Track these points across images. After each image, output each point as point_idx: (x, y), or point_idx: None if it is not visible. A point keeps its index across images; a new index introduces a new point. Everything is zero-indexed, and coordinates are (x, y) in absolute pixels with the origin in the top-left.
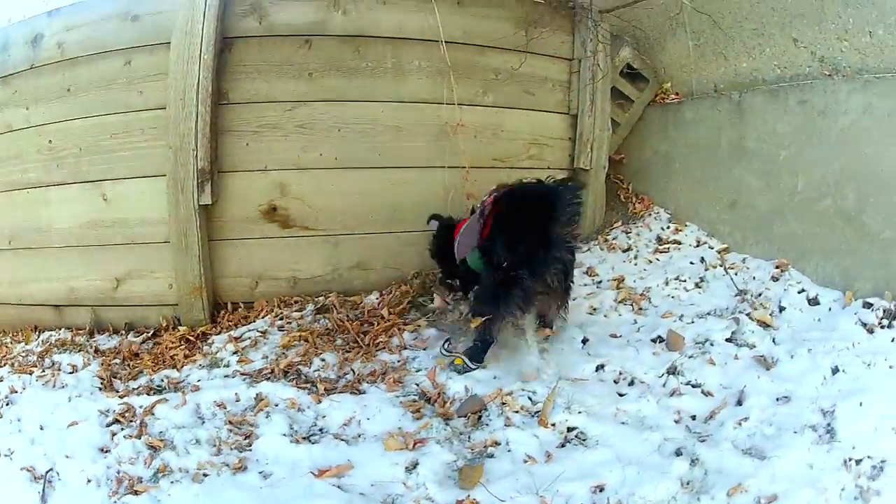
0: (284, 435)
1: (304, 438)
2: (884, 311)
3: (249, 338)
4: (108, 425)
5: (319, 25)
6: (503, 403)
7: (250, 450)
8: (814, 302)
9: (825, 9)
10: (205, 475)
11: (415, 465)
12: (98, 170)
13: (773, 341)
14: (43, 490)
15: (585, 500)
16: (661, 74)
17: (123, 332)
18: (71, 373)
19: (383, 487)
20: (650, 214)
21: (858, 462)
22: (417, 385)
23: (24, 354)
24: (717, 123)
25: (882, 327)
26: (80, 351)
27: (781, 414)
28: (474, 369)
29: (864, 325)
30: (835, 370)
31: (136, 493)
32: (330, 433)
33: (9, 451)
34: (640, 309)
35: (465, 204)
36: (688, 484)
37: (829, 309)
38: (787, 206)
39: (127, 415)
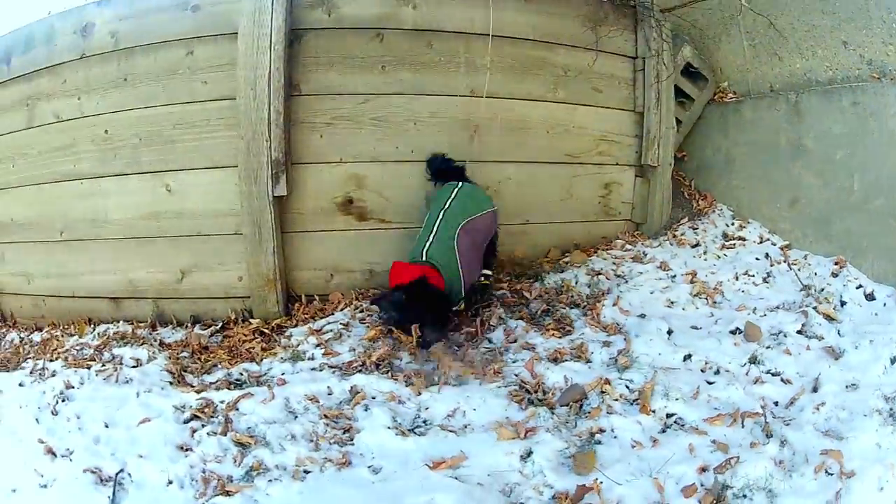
0: (388, 428)
1: (409, 431)
2: None
3: (331, 330)
4: (185, 422)
5: (390, 19)
6: (603, 392)
7: (352, 444)
8: (870, 297)
9: (871, 13)
10: (306, 472)
11: (529, 453)
12: (159, 160)
13: (839, 333)
14: (113, 493)
15: (694, 481)
16: (717, 74)
17: (188, 324)
18: (135, 367)
19: (500, 476)
20: (714, 211)
21: None
22: (517, 376)
23: (78, 348)
24: (776, 123)
25: None
26: (143, 344)
27: (851, 400)
28: None
29: None
30: (893, 360)
31: (227, 493)
32: (435, 425)
33: (67, 452)
34: (715, 302)
35: None
36: (780, 463)
37: (885, 304)
38: (843, 204)
39: (206, 410)
